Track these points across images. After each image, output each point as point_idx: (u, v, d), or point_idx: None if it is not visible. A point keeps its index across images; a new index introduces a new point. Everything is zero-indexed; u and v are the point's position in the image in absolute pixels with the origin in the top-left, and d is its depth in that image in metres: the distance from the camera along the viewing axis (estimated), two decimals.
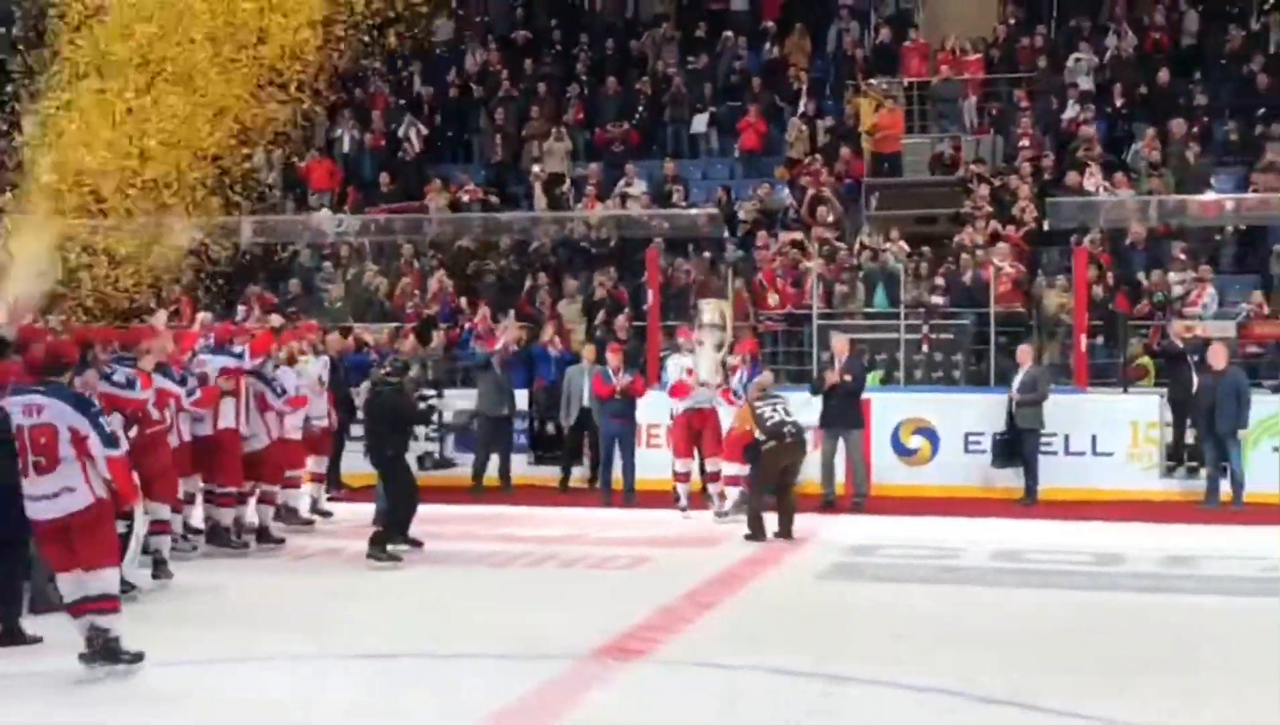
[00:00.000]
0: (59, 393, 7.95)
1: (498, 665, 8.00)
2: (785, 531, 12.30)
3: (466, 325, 17.43)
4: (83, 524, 7.76)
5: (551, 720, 7.07)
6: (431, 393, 13.13)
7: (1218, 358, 14.15)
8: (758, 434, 12.34)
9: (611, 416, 14.84)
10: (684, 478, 14.10)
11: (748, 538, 12.24)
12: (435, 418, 14.54)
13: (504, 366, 15.52)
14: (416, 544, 11.76)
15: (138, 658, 7.77)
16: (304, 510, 13.49)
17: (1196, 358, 14.54)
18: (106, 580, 7.85)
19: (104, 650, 7.73)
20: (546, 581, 10.82)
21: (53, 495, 7.73)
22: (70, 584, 7.81)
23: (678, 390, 14.05)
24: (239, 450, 11.78)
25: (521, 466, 15.90)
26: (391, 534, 11.41)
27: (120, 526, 8.53)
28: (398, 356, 12.82)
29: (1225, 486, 14.11)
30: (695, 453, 14.06)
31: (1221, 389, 13.99)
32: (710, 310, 14.14)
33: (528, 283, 18.63)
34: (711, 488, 13.93)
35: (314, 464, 13.92)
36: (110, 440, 7.93)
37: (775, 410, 12.40)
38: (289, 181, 22.06)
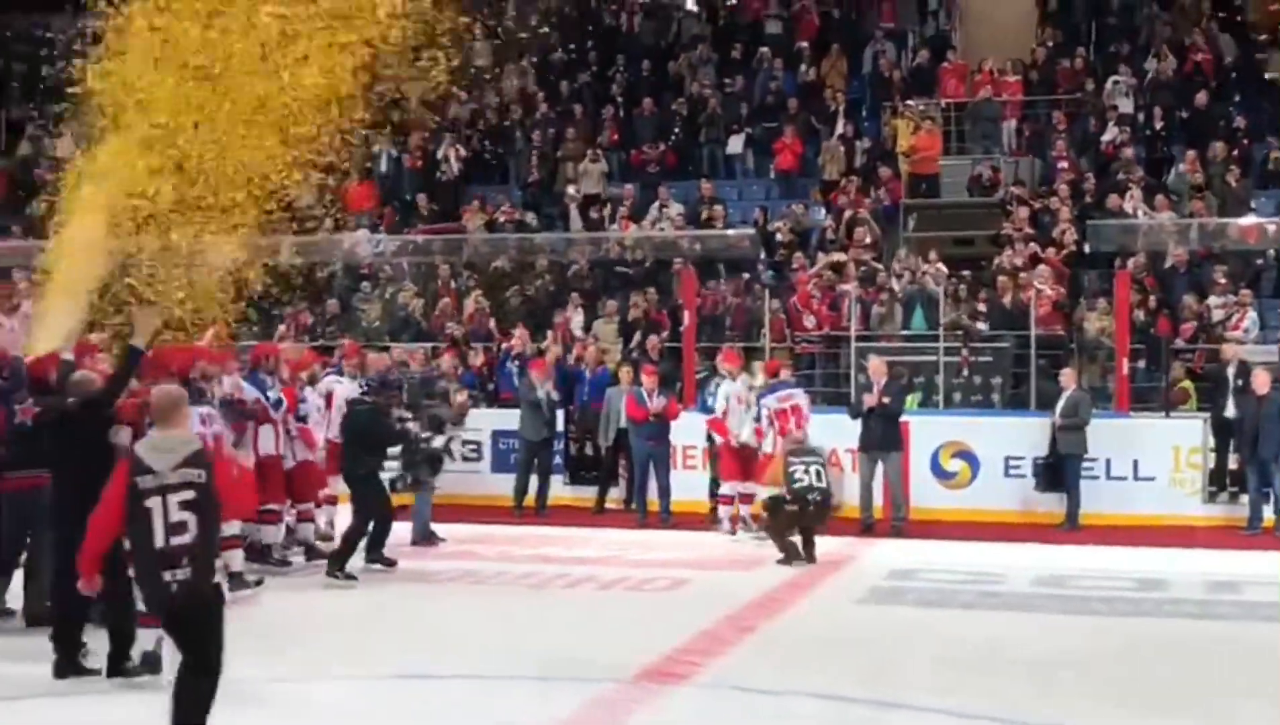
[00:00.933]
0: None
1: (540, 687, 7.97)
2: (809, 556, 12.25)
3: (504, 346, 17.45)
4: None
5: None
6: (409, 415, 13.07)
7: (1261, 383, 14.02)
8: (784, 491, 12.29)
9: (646, 438, 14.83)
10: (729, 500, 14.08)
11: (780, 563, 12.19)
12: (411, 440, 14.48)
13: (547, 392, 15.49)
14: (390, 564, 11.82)
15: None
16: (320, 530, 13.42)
17: (1240, 382, 14.40)
18: None
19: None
20: (585, 603, 10.81)
21: None
22: None
23: (717, 427, 14.06)
24: (281, 472, 11.93)
25: (556, 487, 15.87)
26: (351, 553, 11.41)
27: None
28: (375, 376, 12.95)
29: (1268, 512, 13.97)
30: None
31: (1264, 414, 13.87)
32: (761, 374, 14.18)
33: (567, 306, 18.61)
34: (743, 509, 13.94)
35: None
36: None
37: (807, 471, 12.27)
38: (327, 202, 22.13)
